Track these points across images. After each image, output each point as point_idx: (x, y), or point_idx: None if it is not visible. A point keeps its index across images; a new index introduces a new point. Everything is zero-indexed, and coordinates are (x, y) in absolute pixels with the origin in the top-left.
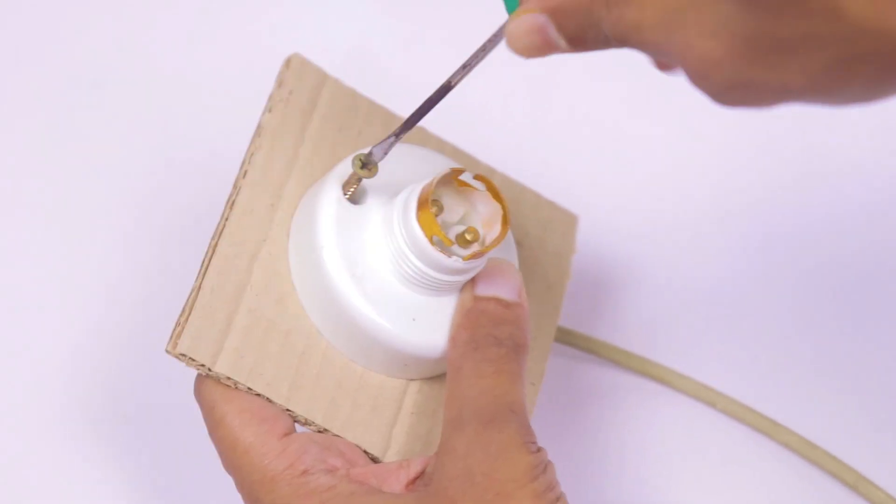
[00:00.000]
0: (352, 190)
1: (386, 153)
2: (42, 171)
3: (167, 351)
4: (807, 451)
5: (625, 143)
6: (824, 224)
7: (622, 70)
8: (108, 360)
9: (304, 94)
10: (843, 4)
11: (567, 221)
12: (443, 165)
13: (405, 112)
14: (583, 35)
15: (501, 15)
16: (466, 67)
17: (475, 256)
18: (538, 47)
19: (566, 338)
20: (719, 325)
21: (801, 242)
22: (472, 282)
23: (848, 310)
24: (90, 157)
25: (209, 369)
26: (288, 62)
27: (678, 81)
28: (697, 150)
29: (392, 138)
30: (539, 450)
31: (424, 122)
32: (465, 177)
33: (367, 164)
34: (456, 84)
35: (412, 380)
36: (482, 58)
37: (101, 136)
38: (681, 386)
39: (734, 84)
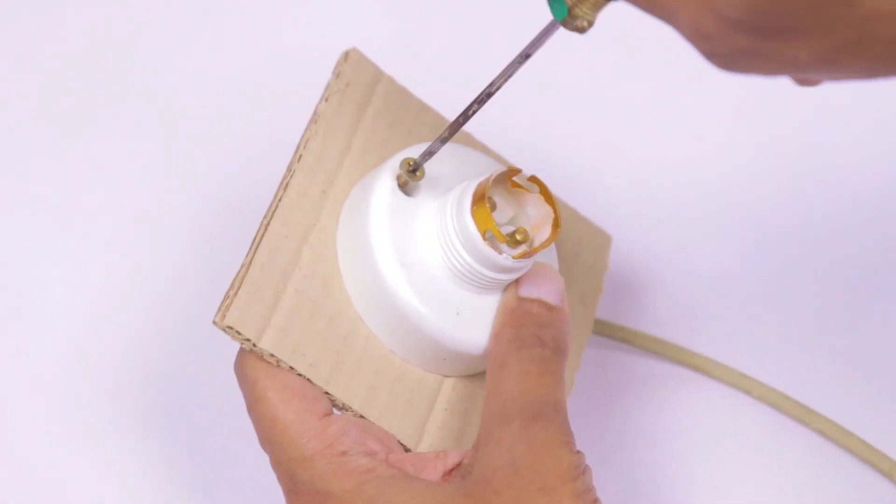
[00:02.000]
0: (405, 182)
1: (432, 156)
2: (89, 162)
3: (214, 322)
4: (842, 439)
5: (657, 140)
6: (859, 210)
7: (650, 73)
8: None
9: (359, 87)
10: None
11: (601, 240)
12: (492, 166)
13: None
14: None
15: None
16: (506, 74)
17: (525, 256)
18: None
19: (601, 328)
20: (754, 312)
21: (835, 230)
22: (516, 283)
23: (884, 297)
24: (107, 156)
25: (254, 344)
26: (346, 55)
27: (703, 84)
28: (730, 142)
29: (438, 143)
30: (579, 452)
31: (469, 127)
32: (520, 178)
33: (415, 169)
34: (497, 90)
35: (447, 377)
36: (523, 62)
37: (115, 134)
38: (716, 374)
39: (744, 50)
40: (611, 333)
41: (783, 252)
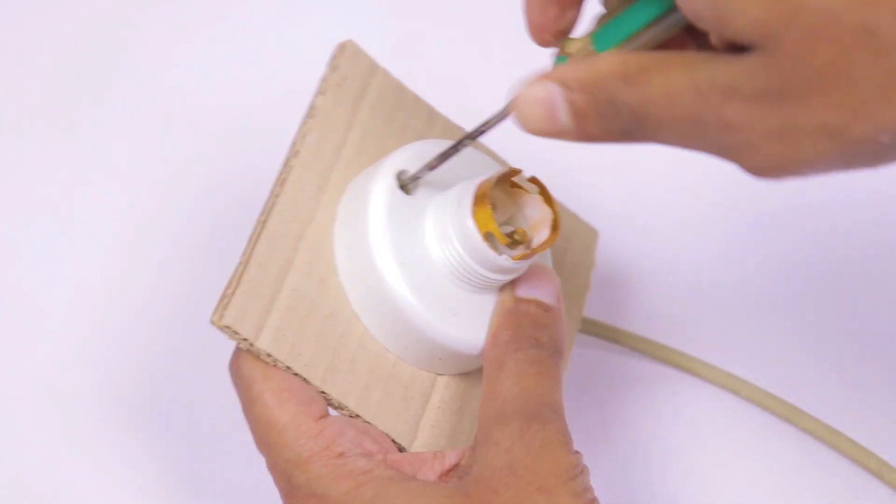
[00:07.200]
0: (405, 181)
1: (420, 177)
2: (86, 161)
3: (212, 321)
4: (830, 438)
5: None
6: (850, 210)
7: None
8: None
9: (355, 80)
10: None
11: (588, 235)
12: (489, 165)
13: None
14: (592, 112)
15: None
16: (490, 125)
17: (524, 257)
18: (541, 117)
19: (591, 328)
20: (742, 313)
21: (824, 231)
22: (513, 283)
23: (872, 297)
24: (98, 157)
25: (251, 344)
26: (342, 48)
27: None
28: None
29: (426, 170)
30: (577, 452)
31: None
32: (520, 178)
33: (404, 186)
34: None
35: (440, 375)
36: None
37: (114, 134)
38: (705, 374)
39: (769, 166)
40: (599, 332)
41: (771, 252)
